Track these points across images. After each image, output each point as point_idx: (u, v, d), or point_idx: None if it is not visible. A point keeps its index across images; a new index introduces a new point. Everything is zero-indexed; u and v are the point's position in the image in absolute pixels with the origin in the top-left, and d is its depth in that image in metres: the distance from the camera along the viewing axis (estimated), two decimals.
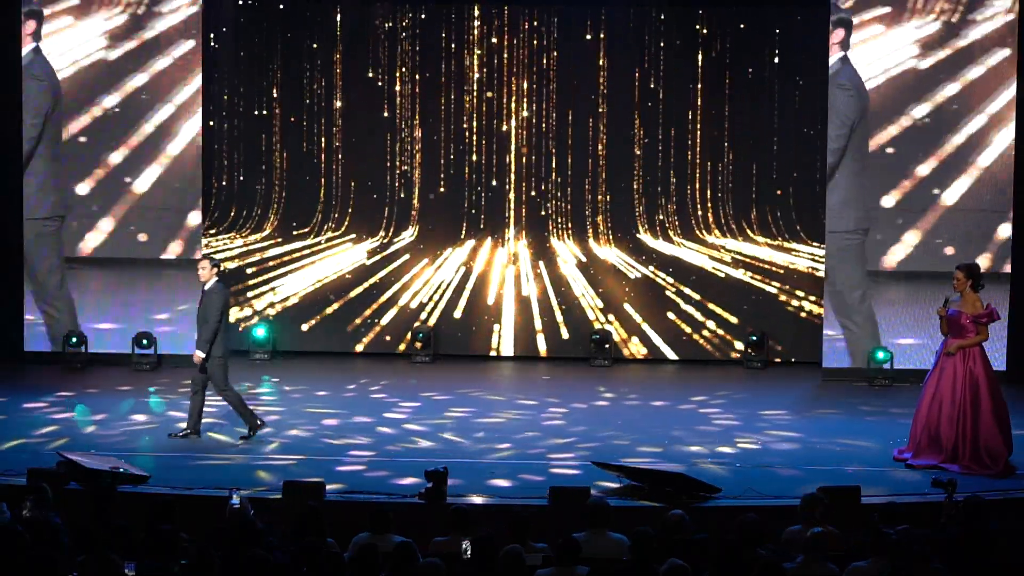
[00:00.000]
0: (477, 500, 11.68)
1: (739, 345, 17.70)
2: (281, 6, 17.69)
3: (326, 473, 12.23)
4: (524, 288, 17.97)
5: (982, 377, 12.81)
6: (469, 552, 9.12)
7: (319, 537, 9.16)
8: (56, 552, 8.47)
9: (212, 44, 17.51)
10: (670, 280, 17.83)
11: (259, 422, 13.69)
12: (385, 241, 17.97)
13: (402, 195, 17.91)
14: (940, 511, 10.38)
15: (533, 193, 17.88)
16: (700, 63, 17.57)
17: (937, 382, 12.90)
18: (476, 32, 17.72)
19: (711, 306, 17.83)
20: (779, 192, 17.63)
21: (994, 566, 9.15)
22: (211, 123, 17.62)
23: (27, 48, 17.01)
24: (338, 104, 17.80)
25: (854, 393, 16.21)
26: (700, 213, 17.75)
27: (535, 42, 17.68)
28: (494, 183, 17.90)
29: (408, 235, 17.97)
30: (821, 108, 16.92)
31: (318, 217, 17.94)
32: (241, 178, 17.89)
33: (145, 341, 16.84)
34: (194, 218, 17.25)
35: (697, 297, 17.82)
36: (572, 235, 17.88)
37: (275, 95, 17.78)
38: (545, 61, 17.71)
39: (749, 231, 17.71)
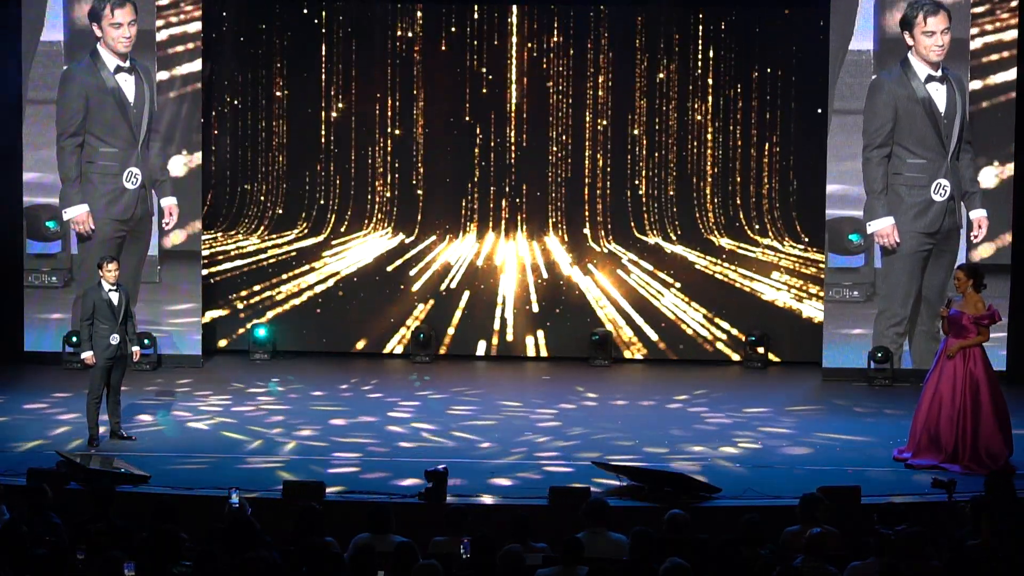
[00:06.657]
0: (477, 500, 11.68)
1: (739, 345, 17.70)
2: (277, 8, 17.68)
3: (326, 473, 12.24)
4: (524, 288, 17.96)
5: (982, 377, 12.81)
6: (468, 553, 9.12)
7: (317, 537, 9.15)
8: (55, 552, 8.47)
9: (212, 55, 17.53)
10: (670, 280, 17.82)
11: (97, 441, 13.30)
12: (385, 241, 17.96)
13: (402, 195, 17.90)
14: (940, 511, 10.39)
15: (535, 193, 17.87)
16: (703, 64, 17.55)
17: (937, 382, 12.90)
18: (478, 32, 17.71)
19: (711, 306, 17.82)
20: (780, 193, 17.62)
21: (996, 564, 9.15)
22: (213, 122, 17.63)
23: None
24: (339, 103, 17.79)
25: (854, 393, 16.20)
26: (701, 214, 17.74)
27: (536, 42, 17.67)
28: (495, 184, 17.89)
29: (408, 235, 17.95)
30: (822, 109, 16.90)
31: (317, 217, 17.93)
32: (241, 179, 17.90)
33: (147, 341, 16.81)
34: (194, 217, 17.23)
35: (697, 297, 17.81)
36: (573, 235, 17.87)
37: (275, 96, 17.76)
38: (547, 60, 17.70)
39: (750, 231, 17.69)
